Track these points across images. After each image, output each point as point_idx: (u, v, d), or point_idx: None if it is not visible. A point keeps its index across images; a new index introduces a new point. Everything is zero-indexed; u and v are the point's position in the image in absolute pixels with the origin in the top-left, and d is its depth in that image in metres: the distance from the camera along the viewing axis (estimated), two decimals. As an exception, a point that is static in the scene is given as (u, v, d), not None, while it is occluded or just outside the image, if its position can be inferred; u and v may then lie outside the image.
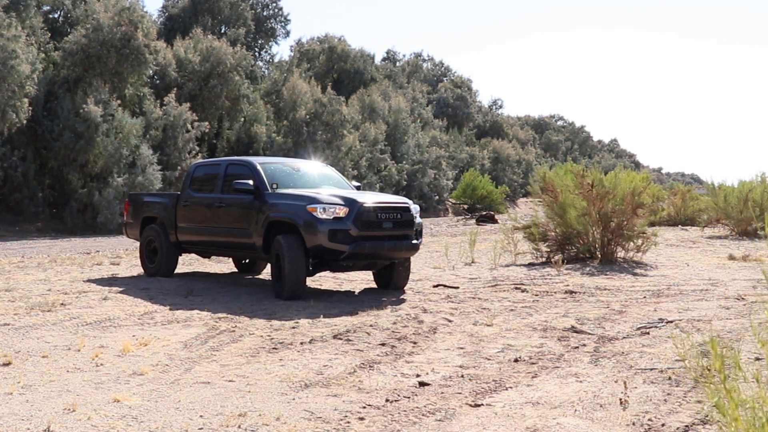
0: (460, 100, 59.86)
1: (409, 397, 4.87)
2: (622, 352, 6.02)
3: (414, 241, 9.10)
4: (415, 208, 9.25)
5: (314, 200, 8.67)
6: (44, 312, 7.77)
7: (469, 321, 7.45)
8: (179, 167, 26.01)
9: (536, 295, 9.04)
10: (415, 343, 6.51)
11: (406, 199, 9.41)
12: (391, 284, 9.68)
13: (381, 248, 8.75)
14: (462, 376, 5.39)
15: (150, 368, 5.57)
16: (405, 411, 4.59)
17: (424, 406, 4.67)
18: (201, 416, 4.45)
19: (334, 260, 8.78)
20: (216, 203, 10.11)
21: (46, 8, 27.66)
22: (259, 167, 9.76)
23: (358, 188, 10.37)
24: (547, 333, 6.87)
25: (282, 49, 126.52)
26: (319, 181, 10.30)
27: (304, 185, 9.95)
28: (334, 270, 9.16)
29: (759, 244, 15.85)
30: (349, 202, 8.64)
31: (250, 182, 9.41)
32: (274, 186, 9.48)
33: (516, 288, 9.63)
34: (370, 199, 8.95)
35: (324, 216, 8.51)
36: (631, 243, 12.68)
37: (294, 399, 4.83)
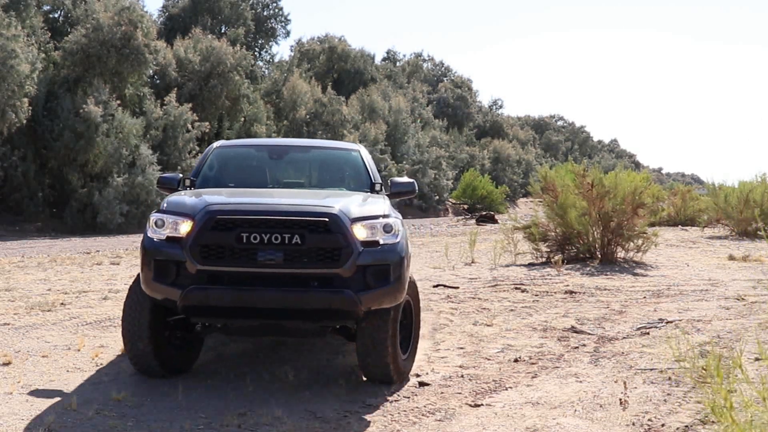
0: (460, 100, 59.91)
1: (409, 397, 4.88)
2: (622, 352, 6.03)
3: (346, 293, 4.72)
4: (375, 224, 4.99)
5: (160, 209, 5.19)
6: (44, 312, 7.77)
7: (469, 321, 7.46)
8: (179, 167, 26.03)
9: (536, 295, 9.04)
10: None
11: (335, 203, 5.04)
12: (362, 369, 5.28)
13: (250, 299, 4.77)
14: (462, 376, 5.40)
15: (150, 368, 5.57)
16: (405, 411, 4.60)
17: (424, 406, 4.68)
18: (201, 416, 4.46)
19: (179, 317, 5.21)
20: None
21: (46, 8, 27.68)
22: (210, 152, 6.65)
23: (390, 187, 6.39)
24: (547, 333, 6.87)
25: (282, 49, 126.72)
26: (308, 176, 6.79)
27: (270, 182, 6.50)
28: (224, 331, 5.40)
29: (759, 245, 15.85)
30: (196, 210, 4.94)
31: (179, 177, 6.33)
32: (187, 183, 6.23)
33: (516, 288, 9.63)
34: (243, 202, 5.17)
35: (155, 235, 4.97)
36: (631, 243, 12.68)
37: (294, 399, 4.83)
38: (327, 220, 4.80)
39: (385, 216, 5.13)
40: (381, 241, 4.93)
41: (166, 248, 4.89)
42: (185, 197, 5.31)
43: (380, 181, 6.43)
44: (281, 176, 6.66)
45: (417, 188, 6.45)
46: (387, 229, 5.00)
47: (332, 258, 4.76)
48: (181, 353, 5.46)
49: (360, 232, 4.87)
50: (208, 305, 4.85)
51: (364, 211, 5.10)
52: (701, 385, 3.79)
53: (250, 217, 4.83)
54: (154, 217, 5.03)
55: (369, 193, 6.06)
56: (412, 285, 5.44)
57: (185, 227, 4.87)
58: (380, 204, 5.40)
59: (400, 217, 5.48)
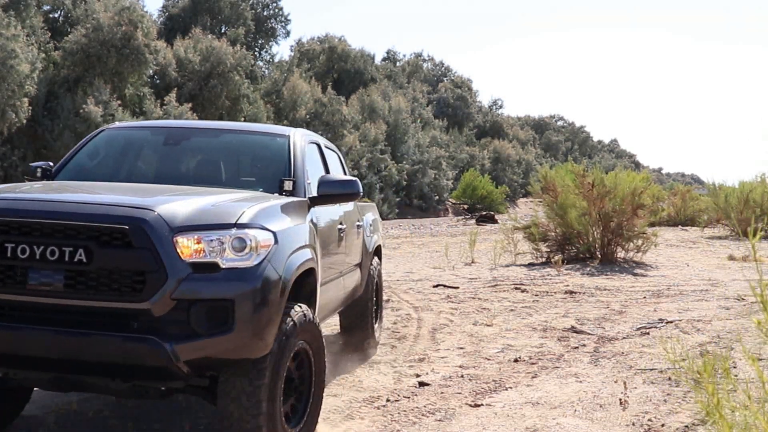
0: (460, 100, 59.88)
1: (409, 397, 4.88)
2: (622, 352, 6.03)
3: (151, 341, 3.19)
4: (220, 236, 3.38)
5: None
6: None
7: (469, 321, 7.46)
8: (179, 167, 26.08)
9: (536, 295, 9.04)
10: (415, 343, 6.52)
11: (157, 203, 3.47)
12: None
13: (12, 343, 3.31)
14: (462, 376, 5.40)
15: (150, 368, 5.57)
16: (405, 411, 4.60)
17: (424, 406, 4.68)
18: (201, 416, 4.46)
19: None
20: None
21: (46, 8, 27.67)
22: (95, 136, 5.09)
23: (318, 187, 4.59)
24: (547, 333, 6.87)
25: (282, 49, 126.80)
26: (209, 168, 5.02)
27: (154, 176, 4.78)
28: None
29: (759, 245, 15.85)
30: None
31: (48, 165, 4.77)
32: (37, 172, 4.68)
33: (516, 288, 9.63)
34: (18, 199, 3.59)
35: None
36: (631, 243, 12.68)
37: (294, 399, 4.83)
38: (126, 227, 3.22)
39: (241, 225, 3.43)
40: (223, 264, 3.32)
41: None
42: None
43: (297, 179, 4.51)
44: (171, 168, 4.91)
45: (360, 189, 4.69)
46: (238, 245, 3.36)
47: (133, 286, 3.21)
48: None
49: (188, 248, 3.28)
50: None
51: (206, 217, 3.44)
52: (695, 387, 3.79)
53: (14, 219, 3.30)
54: None
55: (261, 193, 4.29)
56: (307, 326, 3.74)
57: None
58: (244, 206, 3.62)
59: (296, 225, 3.94)
